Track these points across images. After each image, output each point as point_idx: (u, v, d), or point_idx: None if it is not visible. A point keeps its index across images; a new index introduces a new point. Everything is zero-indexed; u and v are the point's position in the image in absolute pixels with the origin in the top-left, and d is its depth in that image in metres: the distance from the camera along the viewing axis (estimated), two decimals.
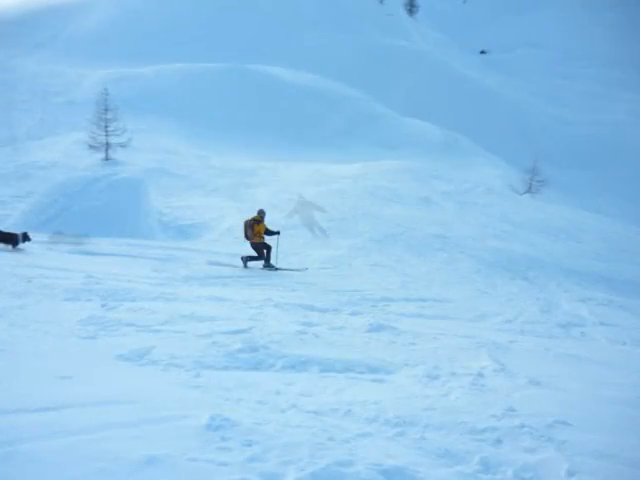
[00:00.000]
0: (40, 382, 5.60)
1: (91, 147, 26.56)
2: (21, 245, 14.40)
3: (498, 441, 5.60)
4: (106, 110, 27.14)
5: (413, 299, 14.98)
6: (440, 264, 19.07)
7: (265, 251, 15.41)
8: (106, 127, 27.05)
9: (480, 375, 7.89)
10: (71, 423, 4.59)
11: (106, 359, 6.66)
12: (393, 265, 18.32)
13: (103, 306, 9.31)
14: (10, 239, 14.42)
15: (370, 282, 16.32)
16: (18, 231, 14.94)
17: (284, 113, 44.18)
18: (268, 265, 15.35)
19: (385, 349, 8.82)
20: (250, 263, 15.30)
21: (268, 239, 15.89)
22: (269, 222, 16.59)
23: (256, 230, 15.34)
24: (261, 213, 15.70)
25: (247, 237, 15.58)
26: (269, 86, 47.80)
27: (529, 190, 35.51)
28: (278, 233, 16.01)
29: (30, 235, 14.75)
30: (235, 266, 15.64)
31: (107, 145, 27.00)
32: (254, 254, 15.65)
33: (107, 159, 26.80)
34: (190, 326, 8.54)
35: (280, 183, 27.14)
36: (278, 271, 14.74)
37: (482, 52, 77.12)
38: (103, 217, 19.99)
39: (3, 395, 5.15)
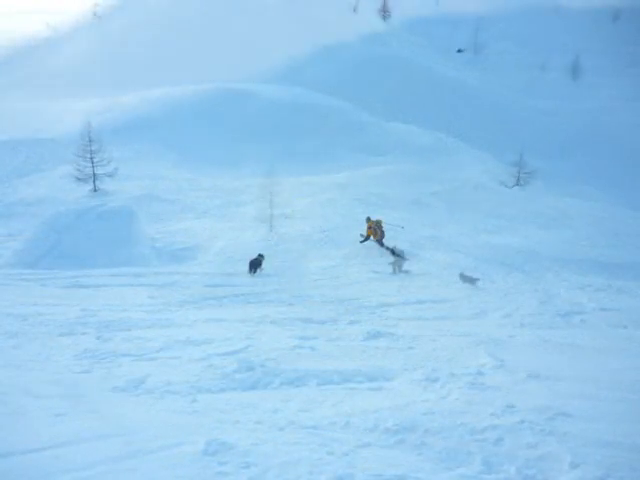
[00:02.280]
0: (35, 422, 5.56)
1: (78, 180, 26.56)
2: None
3: (499, 439, 5.57)
4: (90, 142, 27.13)
5: (411, 302, 14.94)
6: (434, 265, 19.04)
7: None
8: (92, 159, 27.05)
9: (479, 373, 7.87)
10: (66, 462, 4.55)
11: (101, 392, 6.61)
12: (389, 270, 18.28)
13: (98, 338, 9.25)
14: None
15: (367, 289, 16.29)
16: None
17: (271, 129, 44.26)
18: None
19: (383, 356, 8.79)
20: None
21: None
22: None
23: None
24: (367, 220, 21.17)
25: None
26: (251, 103, 47.94)
27: (517, 183, 35.58)
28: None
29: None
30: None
31: (94, 176, 27.00)
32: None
33: (95, 190, 26.81)
34: (186, 351, 8.49)
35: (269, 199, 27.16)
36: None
37: (459, 51, 77.43)
38: (96, 248, 19.95)
39: None
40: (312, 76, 59.30)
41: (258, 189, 22.90)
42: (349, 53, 65.40)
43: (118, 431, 5.23)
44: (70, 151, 28.36)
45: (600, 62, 76.74)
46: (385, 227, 21.00)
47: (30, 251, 18.90)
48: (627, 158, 49.95)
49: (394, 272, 18.16)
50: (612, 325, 13.09)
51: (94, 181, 27.04)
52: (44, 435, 5.16)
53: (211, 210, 25.59)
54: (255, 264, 16.96)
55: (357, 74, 60.85)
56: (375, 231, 20.70)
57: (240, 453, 4.84)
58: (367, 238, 20.79)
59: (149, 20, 69.15)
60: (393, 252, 18.44)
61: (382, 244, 20.33)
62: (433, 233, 22.88)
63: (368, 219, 21.23)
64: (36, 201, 24.85)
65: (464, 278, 16.56)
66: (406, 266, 18.31)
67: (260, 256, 17.23)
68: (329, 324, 11.68)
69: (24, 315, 10.82)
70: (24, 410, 5.84)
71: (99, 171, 27.20)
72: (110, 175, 27.37)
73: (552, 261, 19.84)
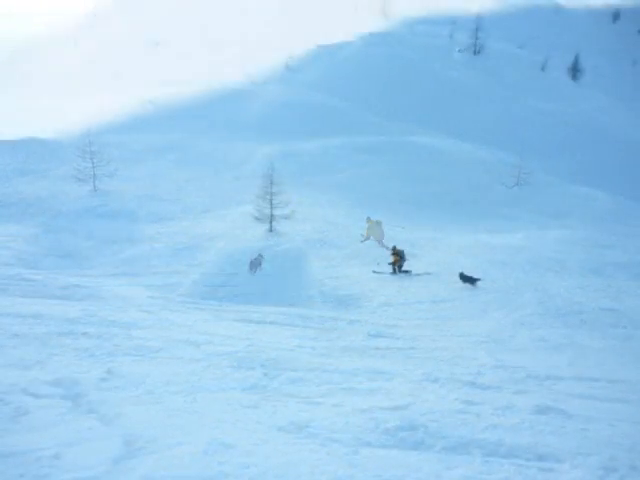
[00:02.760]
0: (35, 422, 5.54)
1: (78, 180, 26.52)
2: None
3: (499, 439, 5.56)
4: (90, 142, 27.10)
5: (411, 302, 14.91)
6: (434, 265, 19.04)
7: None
8: (92, 159, 27.03)
9: (479, 373, 7.87)
10: (66, 462, 4.54)
11: (101, 392, 6.58)
12: (389, 270, 18.27)
13: (98, 338, 9.19)
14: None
15: (367, 289, 16.21)
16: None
17: (271, 129, 43.89)
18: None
19: (383, 356, 8.79)
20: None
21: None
22: None
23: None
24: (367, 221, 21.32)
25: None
26: (251, 103, 47.86)
27: (517, 183, 35.50)
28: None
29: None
30: None
31: (94, 176, 26.98)
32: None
33: (95, 190, 26.81)
34: (186, 351, 8.48)
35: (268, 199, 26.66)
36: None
37: (459, 51, 77.35)
38: (96, 248, 19.98)
39: None
40: (312, 76, 59.17)
41: (258, 189, 22.83)
42: (349, 53, 65.31)
43: (118, 431, 5.22)
44: (70, 151, 28.38)
45: (600, 62, 76.88)
46: (385, 227, 21.03)
47: (30, 251, 18.93)
48: (627, 158, 49.84)
49: (394, 272, 18.17)
50: (612, 325, 13.11)
51: (94, 181, 27.03)
52: (44, 435, 5.15)
53: (211, 210, 25.60)
54: (255, 264, 16.96)
55: (357, 74, 60.72)
56: (375, 231, 20.77)
57: (240, 453, 4.83)
58: (367, 238, 20.86)
59: (149, 20, 69.18)
60: (393, 252, 18.44)
61: (382, 244, 20.38)
62: (433, 233, 22.90)
63: (368, 219, 21.26)
64: (36, 201, 24.82)
65: (464, 278, 16.57)
66: (406, 266, 18.33)
67: (260, 256, 17.23)
68: (329, 324, 11.69)
69: (24, 315, 10.79)
70: (24, 410, 5.83)
71: (99, 171, 27.18)
72: (110, 175, 27.37)
73: (552, 261, 19.83)
